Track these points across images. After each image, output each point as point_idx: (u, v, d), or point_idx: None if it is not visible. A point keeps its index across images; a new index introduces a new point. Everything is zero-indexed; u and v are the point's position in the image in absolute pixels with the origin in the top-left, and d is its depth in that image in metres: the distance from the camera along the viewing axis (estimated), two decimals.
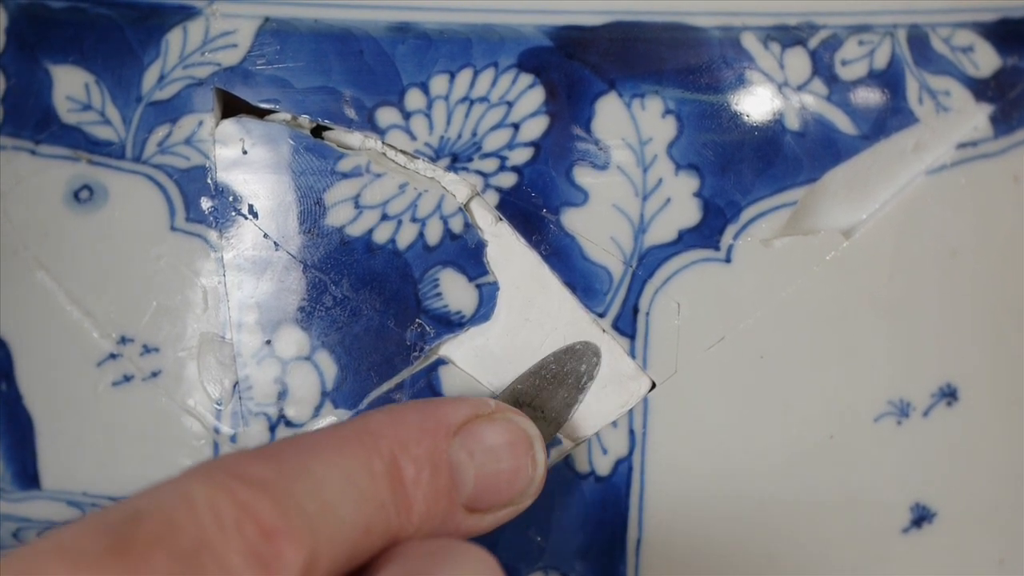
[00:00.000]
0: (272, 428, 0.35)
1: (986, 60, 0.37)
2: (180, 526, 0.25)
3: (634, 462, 0.35)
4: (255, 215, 0.35)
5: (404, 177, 0.34)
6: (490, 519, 0.32)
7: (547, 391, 0.35)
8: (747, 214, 0.35)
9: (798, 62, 0.35)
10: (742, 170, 0.35)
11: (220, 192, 0.35)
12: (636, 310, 0.35)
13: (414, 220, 0.34)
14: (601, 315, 0.35)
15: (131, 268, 0.35)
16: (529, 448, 0.33)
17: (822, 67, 0.35)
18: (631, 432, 0.35)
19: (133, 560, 0.25)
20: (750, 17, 0.35)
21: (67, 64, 0.35)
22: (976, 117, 0.37)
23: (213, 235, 0.35)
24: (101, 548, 0.25)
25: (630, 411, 0.35)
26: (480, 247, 0.35)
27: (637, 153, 0.34)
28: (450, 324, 0.35)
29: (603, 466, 0.35)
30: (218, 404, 0.35)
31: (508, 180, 0.34)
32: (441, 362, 0.35)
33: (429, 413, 0.31)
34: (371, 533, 0.29)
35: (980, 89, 0.37)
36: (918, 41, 0.36)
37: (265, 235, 0.35)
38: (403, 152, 0.34)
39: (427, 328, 0.35)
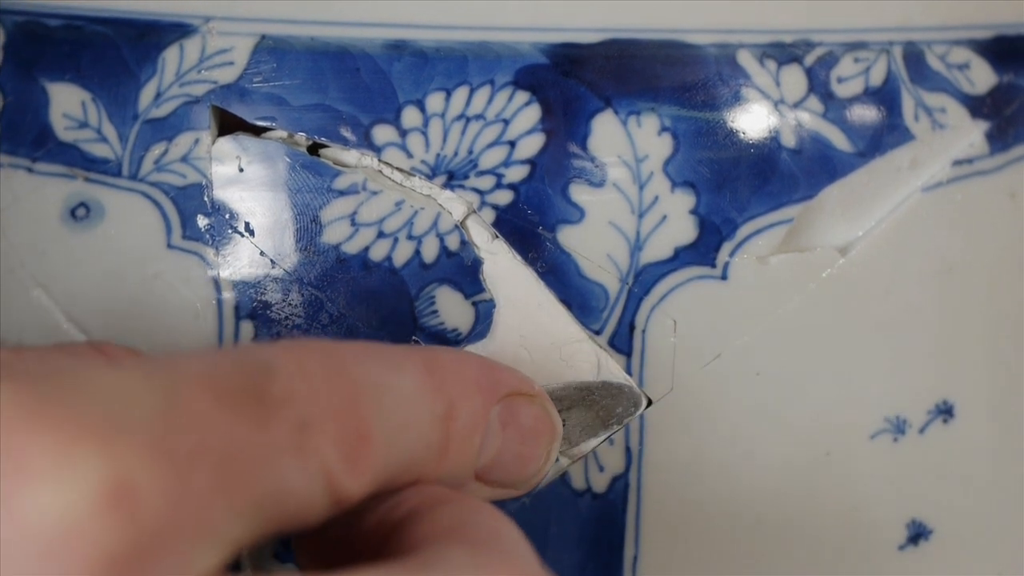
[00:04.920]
0: None
1: (982, 77, 0.37)
2: (300, 394, 0.26)
3: (630, 479, 0.35)
4: (251, 233, 0.35)
5: (400, 195, 0.34)
6: (487, 493, 0.32)
7: (577, 409, 0.34)
8: (743, 231, 0.35)
9: (794, 79, 0.35)
10: (738, 187, 0.35)
11: (217, 210, 0.35)
12: (632, 327, 0.35)
13: (410, 238, 0.34)
14: (597, 332, 0.35)
15: (128, 286, 0.35)
16: (550, 441, 0.33)
17: (818, 84, 0.35)
18: (627, 449, 0.35)
19: (263, 413, 0.25)
20: (746, 34, 0.35)
21: (64, 82, 0.35)
22: (972, 134, 0.37)
23: (210, 253, 0.35)
24: (242, 391, 0.25)
25: (626, 428, 0.35)
26: (476, 265, 0.35)
27: (633, 170, 0.34)
28: (446, 342, 0.35)
29: (599, 483, 0.35)
30: None
31: (504, 197, 0.34)
32: None
33: (487, 371, 0.31)
34: (411, 469, 0.29)
35: (976, 106, 0.37)
36: (914, 58, 0.36)
37: (261, 253, 0.35)
38: (399, 170, 0.34)
39: (423, 346, 0.35)
